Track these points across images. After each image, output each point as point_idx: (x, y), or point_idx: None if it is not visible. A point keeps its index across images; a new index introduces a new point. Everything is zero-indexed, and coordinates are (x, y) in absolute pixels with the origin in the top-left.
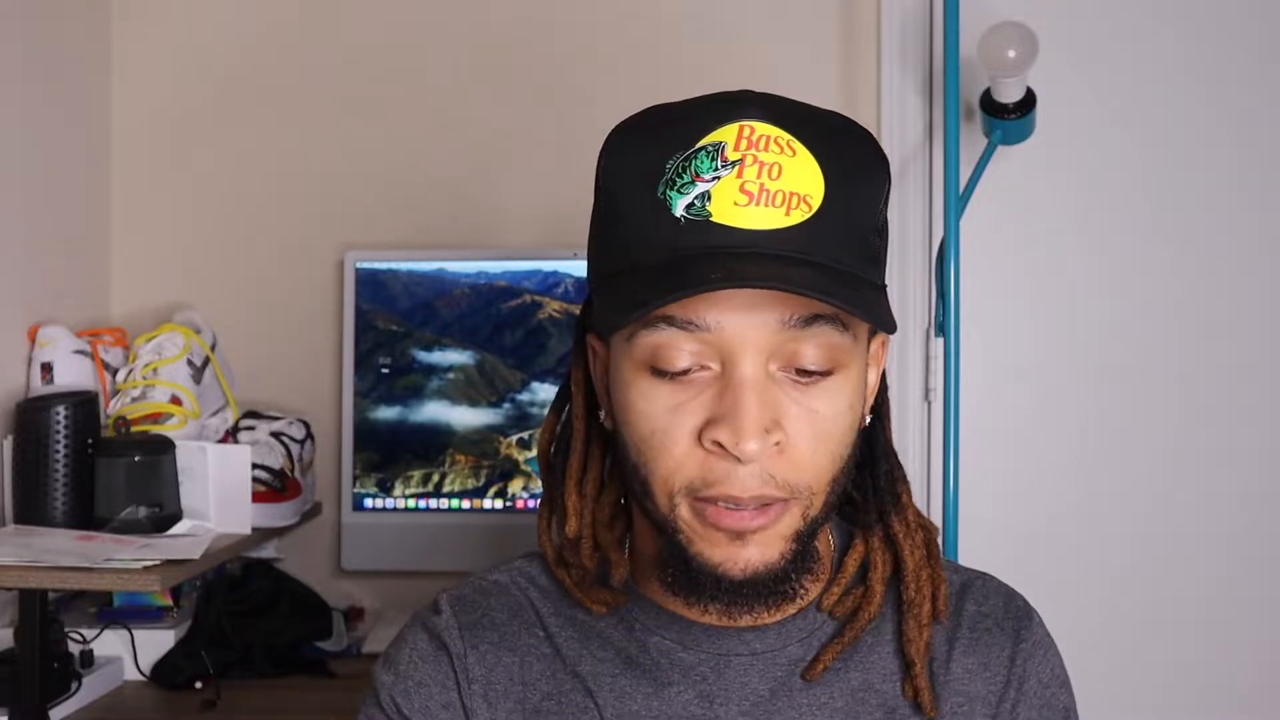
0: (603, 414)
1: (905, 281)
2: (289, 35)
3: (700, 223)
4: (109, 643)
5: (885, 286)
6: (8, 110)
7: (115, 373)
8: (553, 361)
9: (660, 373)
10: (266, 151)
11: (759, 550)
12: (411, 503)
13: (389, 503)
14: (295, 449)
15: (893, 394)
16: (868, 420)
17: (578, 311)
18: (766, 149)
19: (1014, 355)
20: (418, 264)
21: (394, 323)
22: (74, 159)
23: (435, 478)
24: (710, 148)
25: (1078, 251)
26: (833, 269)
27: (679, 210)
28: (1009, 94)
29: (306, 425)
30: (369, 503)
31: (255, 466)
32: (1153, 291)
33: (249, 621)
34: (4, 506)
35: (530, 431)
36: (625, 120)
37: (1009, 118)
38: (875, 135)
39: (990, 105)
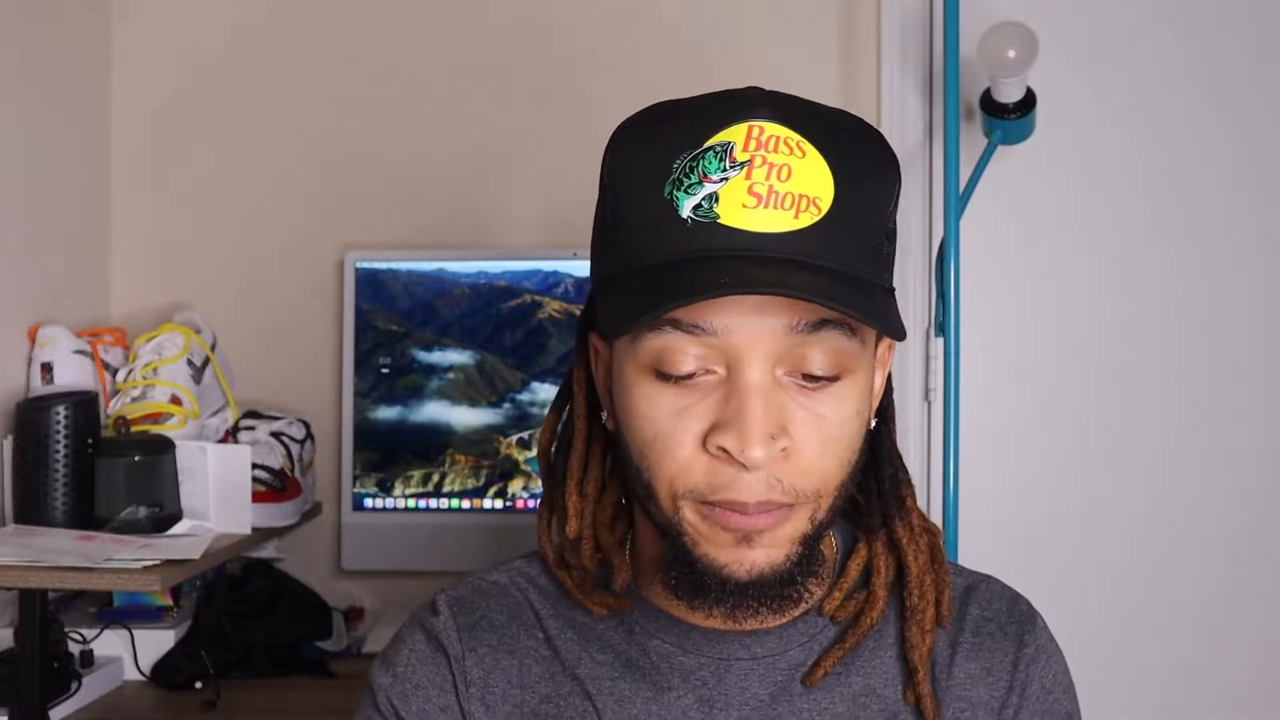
0: (604, 415)
1: (905, 281)
2: (289, 35)
3: (708, 224)
4: (109, 643)
5: (894, 290)
6: (8, 110)
7: (115, 373)
8: (553, 361)
9: (665, 376)
10: (266, 151)
11: (765, 553)
12: (411, 503)
13: (389, 503)
14: (295, 449)
15: (894, 395)
16: (873, 424)
17: (578, 312)
18: (776, 150)
19: (1014, 355)
20: (418, 264)
21: (394, 323)
22: (74, 159)
23: (435, 478)
24: (719, 148)
25: (1078, 251)
26: (842, 273)
27: (686, 211)
28: (1009, 94)
29: (306, 425)
30: (369, 503)
31: (255, 466)
32: (1153, 291)
33: (249, 621)
34: (4, 506)
35: (530, 431)
36: (631, 117)
37: (1009, 118)
38: None
39: (990, 105)
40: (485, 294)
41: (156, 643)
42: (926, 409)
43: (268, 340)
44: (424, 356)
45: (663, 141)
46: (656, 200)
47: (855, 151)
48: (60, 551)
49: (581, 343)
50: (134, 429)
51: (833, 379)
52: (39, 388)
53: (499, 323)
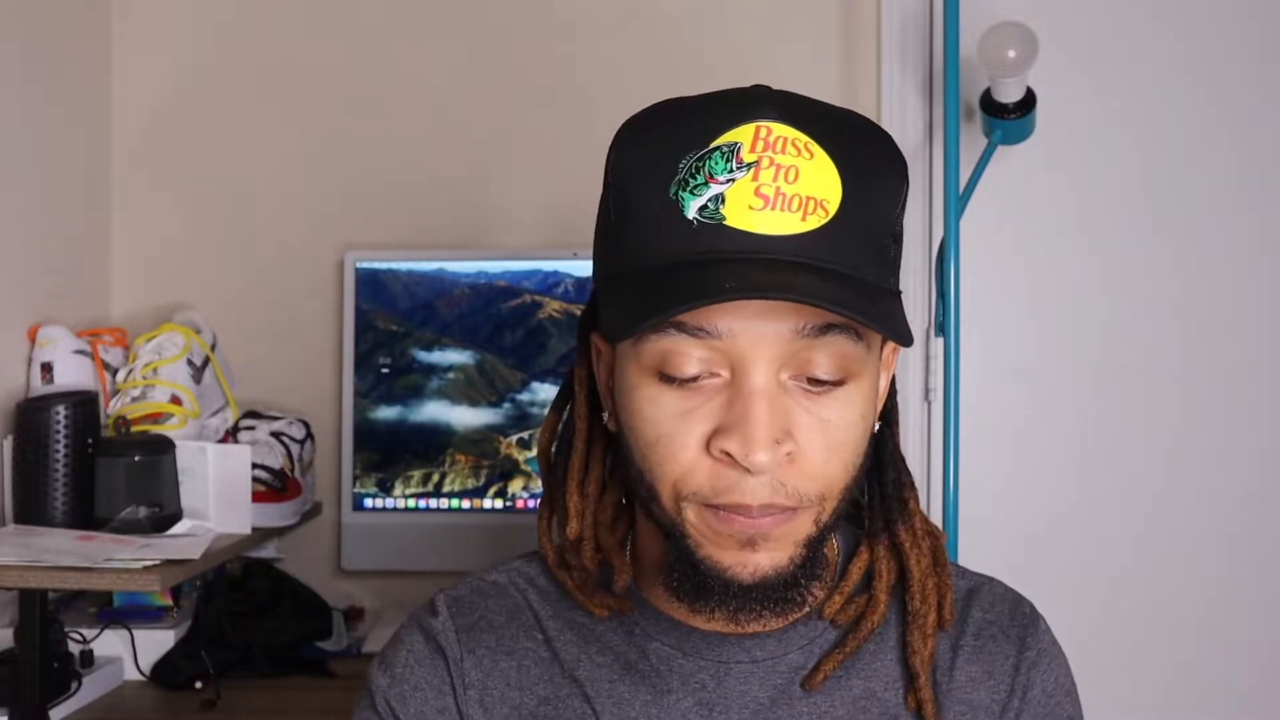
0: (606, 415)
1: (905, 281)
2: (289, 35)
3: (713, 226)
4: (109, 643)
5: (901, 293)
6: (8, 110)
7: (115, 373)
8: (553, 361)
9: (668, 378)
10: (266, 151)
11: (769, 556)
12: (411, 503)
13: (389, 503)
14: (295, 449)
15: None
16: (877, 427)
17: (578, 312)
18: (783, 151)
19: (1014, 355)
20: (418, 264)
21: (394, 323)
22: (74, 159)
23: (435, 478)
24: (725, 148)
25: (1078, 251)
26: (849, 277)
27: (691, 212)
28: (1009, 94)
29: (306, 425)
30: (369, 503)
31: (255, 466)
32: (1153, 291)
33: (249, 621)
34: (4, 506)
35: (530, 431)
36: (636, 115)
37: (1009, 118)
38: None
39: (990, 105)
40: (485, 294)
41: (156, 643)
42: (926, 409)
43: (268, 340)
44: (424, 356)
45: (668, 141)
46: (661, 200)
47: (863, 153)
48: (60, 551)
49: (583, 342)
50: (134, 429)
51: (838, 383)
52: (39, 388)
53: (499, 323)
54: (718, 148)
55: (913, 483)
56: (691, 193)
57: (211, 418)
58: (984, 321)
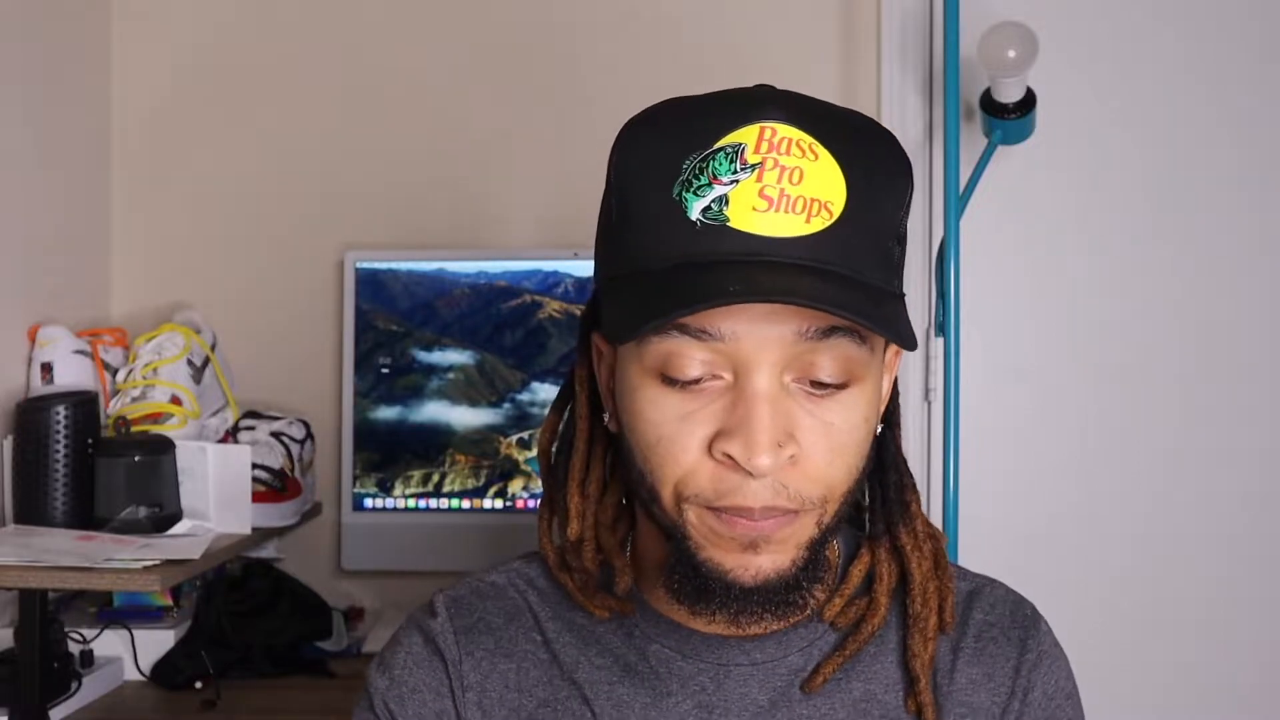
0: (607, 416)
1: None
2: (289, 35)
3: (717, 228)
4: (109, 643)
5: (904, 295)
6: (8, 110)
7: (115, 373)
8: (553, 361)
9: (670, 381)
10: (266, 151)
11: (770, 558)
12: (411, 503)
13: (389, 503)
14: (295, 449)
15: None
16: (879, 429)
17: (578, 312)
18: (788, 152)
19: (1014, 355)
20: (418, 264)
21: (394, 323)
22: (74, 159)
23: (435, 478)
24: (729, 149)
25: (1078, 251)
26: (853, 280)
27: (695, 214)
28: (1009, 94)
29: (306, 425)
30: (369, 503)
31: (255, 466)
32: (1153, 291)
33: (249, 621)
34: (4, 506)
35: (530, 431)
36: (639, 114)
37: (1009, 118)
38: None
39: (990, 105)
40: (485, 294)
41: (156, 643)
42: (926, 409)
43: (268, 340)
44: (424, 356)
45: (671, 141)
46: (664, 201)
47: (868, 154)
48: (60, 551)
49: (584, 342)
50: (134, 429)
51: (841, 386)
52: (39, 388)
53: (499, 323)
54: (722, 148)
55: (914, 485)
56: (695, 193)
57: (211, 418)
58: (984, 321)
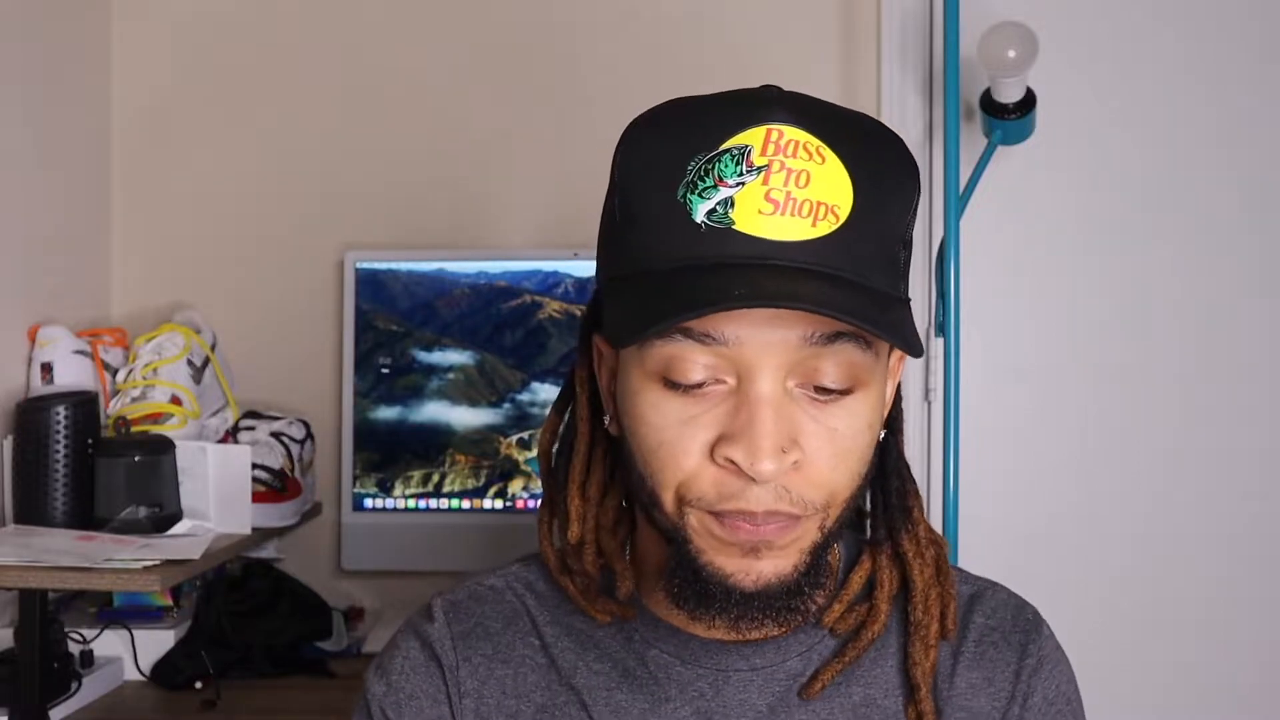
0: (607, 419)
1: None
2: (289, 35)
3: (722, 231)
4: (109, 643)
5: (910, 301)
6: (8, 110)
7: (115, 373)
8: (553, 361)
9: (673, 384)
10: (266, 151)
11: (772, 563)
12: (411, 503)
13: (389, 503)
14: (295, 449)
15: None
16: (882, 435)
17: (578, 312)
18: (795, 155)
19: (1014, 355)
20: (418, 264)
21: (394, 323)
22: (74, 159)
23: (435, 478)
24: (736, 150)
25: (1078, 251)
26: (858, 285)
27: (699, 216)
28: (1009, 94)
29: (306, 425)
30: (369, 503)
31: (255, 466)
32: (1153, 291)
33: (249, 621)
34: (4, 506)
35: (530, 431)
36: (644, 114)
37: (1009, 118)
38: None
39: (990, 105)
40: (485, 294)
41: (156, 643)
42: (926, 409)
43: (268, 340)
44: (424, 356)
45: (677, 142)
46: (669, 202)
47: (876, 157)
48: (60, 551)
49: (585, 343)
50: (134, 429)
51: (845, 392)
52: (39, 388)
53: (499, 323)
54: (728, 150)
55: (917, 491)
56: (700, 195)
57: (211, 418)
58: (984, 321)
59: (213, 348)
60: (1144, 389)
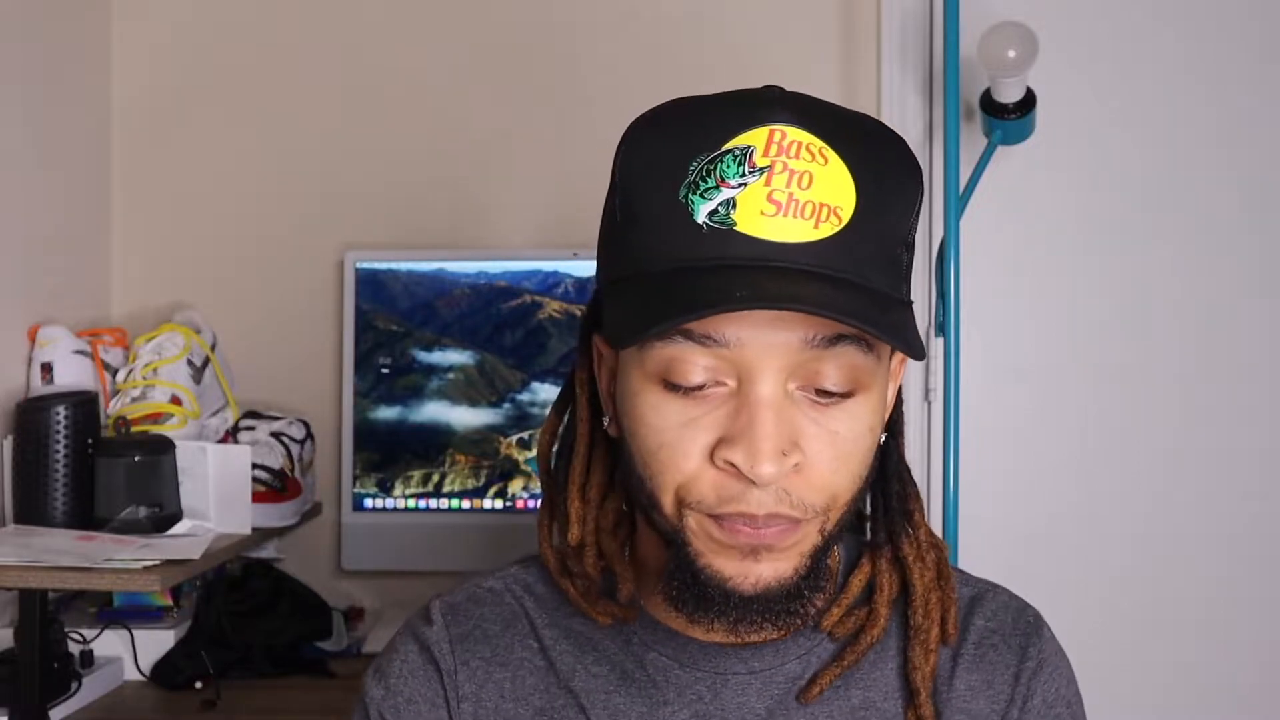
0: (606, 420)
1: None
2: (289, 35)
3: (723, 232)
4: (109, 643)
5: (912, 303)
6: (8, 110)
7: (115, 373)
8: (553, 361)
9: (673, 386)
10: (266, 151)
11: (772, 566)
12: (411, 503)
13: (389, 503)
14: (295, 449)
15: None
16: (883, 438)
17: (578, 312)
18: (797, 156)
19: (1014, 355)
20: (418, 264)
21: (394, 323)
22: (74, 159)
23: (435, 478)
24: (738, 151)
25: (1078, 251)
26: (860, 287)
27: (701, 217)
28: (1009, 94)
29: (306, 425)
30: (369, 503)
31: (255, 466)
32: (1153, 291)
33: (249, 621)
34: (4, 506)
35: (530, 431)
36: (645, 114)
37: (1009, 118)
38: None
39: (990, 105)
40: (485, 294)
41: (156, 643)
42: (926, 409)
43: (268, 340)
44: (424, 356)
45: (678, 142)
46: (670, 203)
47: (879, 159)
48: (60, 551)
49: (585, 344)
50: (134, 429)
51: (847, 395)
52: (39, 388)
53: (499, 323)
54: (730, 151)
55: (918, 494)
56: (702, 196)
57: (211, 418)
58: (984, 321)
59: (213, 348)
60: (1144, 389)
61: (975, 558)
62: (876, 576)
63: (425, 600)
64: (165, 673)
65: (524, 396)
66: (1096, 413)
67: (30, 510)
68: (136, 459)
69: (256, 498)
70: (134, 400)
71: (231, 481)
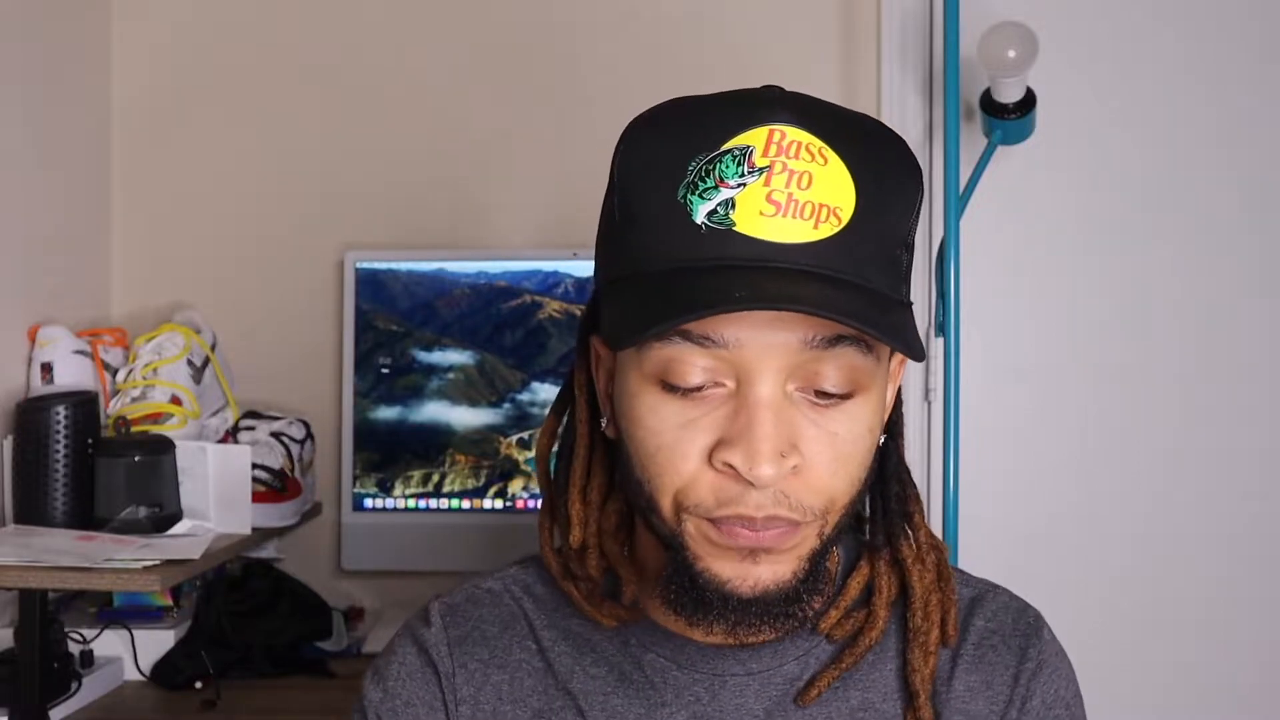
0: (604, 422)
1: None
2: (289, 36)
3: (722, 232)
4: (109, 643)
5: (911, 304)
6: (8, 110)
7: (115, 373)
8: (553, 361)
9: (671, 387)
10: (266, 151)
11: (770, 569)
12: (411, 503)
13: (389, 503)
14: (295, 449)
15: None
16: (882, 440)
17: (578, 312)
18: (797, 156)
19: (1014, 355)
20: (418, 264)
21: (394, 323)
22: (74, 159)
23: (435, 478)
24: (737, 151)
25: (1078, 251)
26: (861, 288)
27: (700, 217)
28: (1009, 94)
29: (306, 425)
30: (369, 503)
31: (255, 466)
32: (1153, 291)
33: (249, 621)
34: (4, 506)
35: (530, 431)
36: (644, 113)
37: (1009, 118)
38: None
39: (990, 105)
40: (485, 294)
41: (156, 643)
42: (926, 409)
43: (268, 340)
44: (424, 356)
45: (677, 142)
46: (669, 203)
47: (879, 159)
48: (60, 551)
49: (583, 345)
50: (134, 429)
51: (846, 396)
52: (39, 388)
53: (499, 323)
54: (729, 151)
55: (918, 496)
56: (700, 196)
57: (211, 418)
58: (984, 321)
59: (213, 348)
60: (1144, 389)
61: (975, 558)
62: (875, 578)
63: (425, 601)
64: (165, 673)
65: (524, 396)
66: (1096, 413)
67: (30, 510)
68: (136, 459)
69: (256, 498)
70: (134, 400)
71: (231, 481)
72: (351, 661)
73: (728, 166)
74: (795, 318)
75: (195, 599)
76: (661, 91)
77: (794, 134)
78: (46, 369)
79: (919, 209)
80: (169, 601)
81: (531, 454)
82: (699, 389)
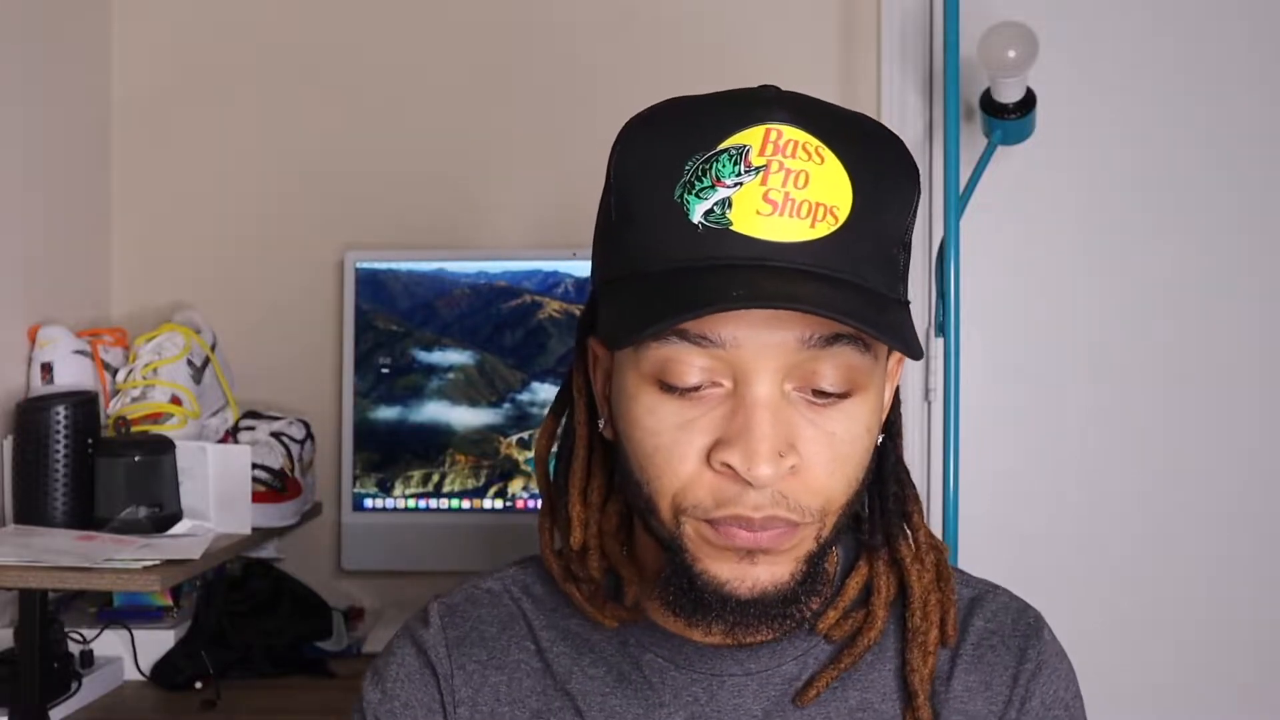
0: (602, 423)
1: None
2: (289, 36)
3: (719, 231)
4: (109, 643)
5: (909, 303)
6: (8, 110)
7: (115, 373)
8: (553, 361)
9: (668, 388)
10: (266, 151)
11: (768, 570)
12: (411, 503)
13: (389, 503)
14: (295, 449)
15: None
16: (880, 439)
17: (578, 312)
18: (794, 155)
19: (1014, 355)
20: (418, 264)
21: (394, 323)
22: (74, 159)
23: (435, 478)
24: (734, 150)
25: (1078, 251)
26: (858, 287)
27: (696, 216)
28: (1009, 94)
29: (306, 425)
30: (369, 503)
31: (255, 466)
32: (1153, 292)
33: (249, 621)
34: (4, 506)
35: (530, 431)
36: (641, 113)
37: (1009, 118)
38: None
39: (990, 105)
40: (485, 294)
41: (156, 643)
42: (926, 409)
43: (268, 340)
44: (424, 356)
45: (674, 141)
46: (665, 202)
47: (876, 158)
48: (60, 551)
49: (581, 346)
50: (134, 429)
51: (844, 395)
52: (39, 388)
53: (499, 323)
54: (725, 150)
55: (916, 496)
56: (697, 196)
57: (211, 418)
58: (984, 321)
59: (213, 348)
60: (1144, 389)
61: (975, 558)
62: (874, 578)
63: (424, 601)
64: (165, 673)
65: (524, 396)
66: (1096, 412)
67: (30, 510)
68: (136, 459)
69: (256, 498)
70: (134, 400)
71: (231, 481)
72: (351, 661)
73: (724, 166)
74: (793, 317)
75: (195, 599)
76: (661, 91)
77: (790, 133)
78: (46, 369)
79: (916, 208)
80: (169, 601)
81: (531, 454)
82: (696, 389)
